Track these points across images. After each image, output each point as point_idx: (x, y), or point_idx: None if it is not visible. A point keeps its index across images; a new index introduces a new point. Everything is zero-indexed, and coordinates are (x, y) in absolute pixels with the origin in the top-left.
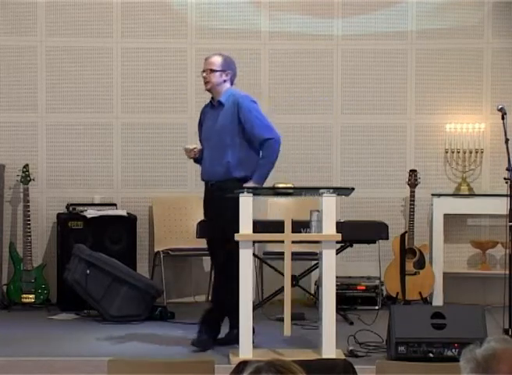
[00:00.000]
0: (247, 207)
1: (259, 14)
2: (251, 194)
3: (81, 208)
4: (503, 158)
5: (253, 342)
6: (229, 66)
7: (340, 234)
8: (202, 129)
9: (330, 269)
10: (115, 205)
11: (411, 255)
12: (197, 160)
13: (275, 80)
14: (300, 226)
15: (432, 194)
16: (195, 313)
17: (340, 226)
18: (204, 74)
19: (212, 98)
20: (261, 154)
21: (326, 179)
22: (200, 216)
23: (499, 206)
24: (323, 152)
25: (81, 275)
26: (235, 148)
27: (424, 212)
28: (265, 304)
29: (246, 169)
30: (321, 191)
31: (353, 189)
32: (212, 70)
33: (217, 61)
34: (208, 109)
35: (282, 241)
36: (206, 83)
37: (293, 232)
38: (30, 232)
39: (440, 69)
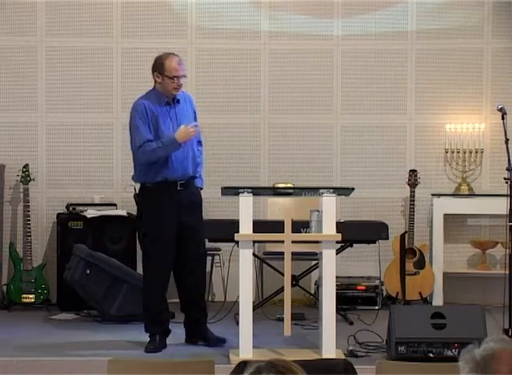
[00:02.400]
0: (247, 207)
1: (259, 14)
2: (251, 194)
3: (81, 208)
4: (503, 158)
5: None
6: None
7: (340, 234)
8: (164, 127)
9: (330, 269)
10: (115, 205)
11: (411, 255)
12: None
13: (275, 80)
14: (300, 226)
15: (432, 194)
16: None
17: (340, 226)
18: (182, 81)
19: (162, 95)
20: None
21: (326, 179)
22: None
23: (499, 206)
24: (323, 152)
25: (81, 275)
26: (196, 145)
27: (424, 212)
28: (265, 304)
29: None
30: (321, 191)
31: (353, 189)
32: (185, 76)
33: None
34: (159, 108)
35: (282, 241)
36: (178, 89)
37: (293, 232)
38: (30, 232)
39: (440, 69)
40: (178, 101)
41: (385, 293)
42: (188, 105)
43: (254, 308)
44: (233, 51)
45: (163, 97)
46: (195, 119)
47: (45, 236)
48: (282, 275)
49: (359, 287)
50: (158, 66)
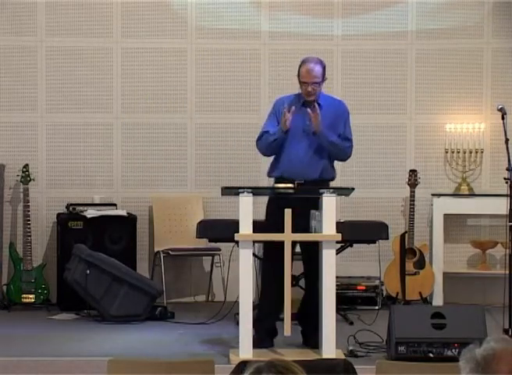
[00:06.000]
0: (247, 207)
1: (259, 14)
2: (251, 194)
3: (81, 208)
4: (503, 158)
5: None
6: (325, 72)
7: (340, 234)
8: (293, 123)
9: (330, 269)
10: (115, 205)
11: (411, 255)
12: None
13: (275, 80)
14: None
15: (432, 194)
16: (195, 313)
17: (340, 226)
18: (310, 89)
19: (302, 97)
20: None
21: None
22: (200, 216)
23: (499, 206)
24: None
25: (81, 275)
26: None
27: (424, 212)
28: None
29: (333, 169)
30: (321, 190)
31: (353, 189)
32: (318, 82)
33: (320, 72)
34: (296, 106)
35: (283, 241)
36: (310, 95)
37: (293, 232)
38: (30, 232)
39: (440, 69)
40: (320, 105)
41: (385, 293)
42: (330, 114)
43: (254, 308)
44: (233, 51)
45: (302, 98)
46: (341, 129)
47: (45, 236)
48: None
49: (359, 287)
50: (298, 70)
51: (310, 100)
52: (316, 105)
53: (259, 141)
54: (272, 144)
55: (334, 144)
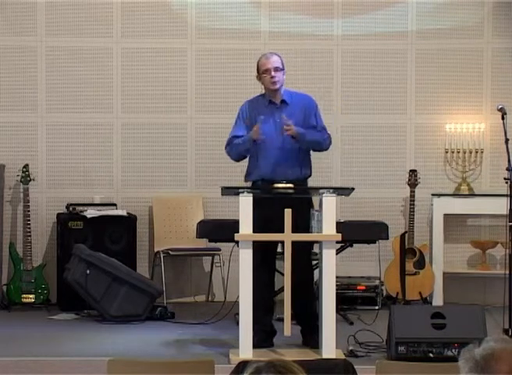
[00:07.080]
0: (247, 207)
1: (259, 14)
2: (251, 194)
3: (81, 208)
4: (503, 158)
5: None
6: (284, 64)
7: (340, 234)
8: (265, 126)
9: (330, 269)
10: (115, 205)
11: (411, 255)
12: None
13: None
14: None
15: (432, 194)
16: (195, 313)
17: (340, 226)
18: (273, 74)
19: (267, 96)
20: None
21: (326, 179)
22: (200, 216)
23: (499, 206)
24: (323, 152)
25: (81, 275)
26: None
27: (424, 212)
28: None
29: (309, 167)
30: (321, 191)
31: (353, 189)
32: (279, 69)
33: (279, 59)
34: (263, 108)
35: (283, 241)
36: (275, 82)
37: (293, 232)
38: (30, 232)
39: (440, 69)
40: (285, 102)
41: (385, 293)
42: (298, 108)
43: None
44: (233, 51)
45: (266, 97)
46: (313, 121)
47: (45, 236)
48: (282, 275)
49: (359, 287)
50: (256, 69)
51: (275, 89)
52: (284, 117)
53: (228, 146)
54: (242, 152)
55: (314, 141)
